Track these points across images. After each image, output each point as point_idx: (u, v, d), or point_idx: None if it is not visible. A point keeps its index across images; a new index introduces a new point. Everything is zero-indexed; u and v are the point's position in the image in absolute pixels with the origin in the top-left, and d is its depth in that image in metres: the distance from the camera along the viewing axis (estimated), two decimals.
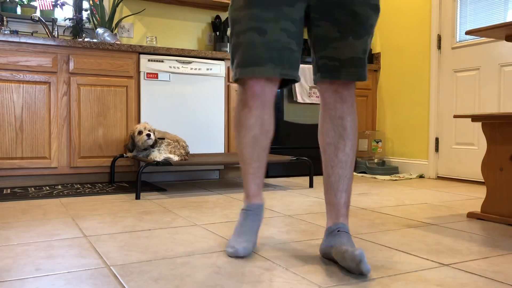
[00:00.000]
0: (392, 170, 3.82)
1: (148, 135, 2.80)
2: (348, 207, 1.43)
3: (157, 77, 3.20)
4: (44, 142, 2.91)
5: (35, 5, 3.50)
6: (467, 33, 2.07)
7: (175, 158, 2.76)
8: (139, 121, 3.18)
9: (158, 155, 2.78)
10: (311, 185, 3.05)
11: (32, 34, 3.38)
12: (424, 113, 3.70)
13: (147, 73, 3.17)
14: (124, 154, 3.08)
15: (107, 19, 3.59)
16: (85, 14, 3.65)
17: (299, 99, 3.62)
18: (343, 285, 1.18)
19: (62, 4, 3.56)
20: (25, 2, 3.50)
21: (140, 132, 2.82)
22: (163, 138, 2.93)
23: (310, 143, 3.75)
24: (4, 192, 2.67)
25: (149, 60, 3.17)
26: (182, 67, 3.27)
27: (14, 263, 1.34)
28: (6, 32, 3.15)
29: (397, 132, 3.97)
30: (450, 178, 3.52)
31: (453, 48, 3.47)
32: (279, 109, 3.61)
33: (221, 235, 1.71)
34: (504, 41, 2.78)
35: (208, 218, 2.01)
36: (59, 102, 2.95)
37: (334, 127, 1.42)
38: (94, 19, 3.57)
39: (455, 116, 2.16)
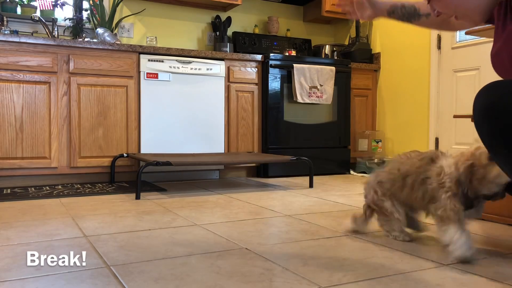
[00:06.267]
0: None
1: None
2: None
3: (157, 77, 3.20)
4: (44, 142, 2.91)
5: (35, 5, 3.50)
6: (467, 33, 2.07)
7: None
8: (139, 121, 3.17)
9: None
10: (311, 185, 3.04)
11: (32, 34, 3.38)
12: (424, 113, 3.70)
13: (147, 73, 3.16)
14: (124, 154, 3.08)
15: (107, 19, 3.59)
16: (85, 14, 3.65)
17: (299, 99, 3.62)
18: (343, 285, 1.18)
19: (62, 4, 3.56)
20: (25, 2, 3.50)
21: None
22: None
23: (310, 143, 3.74)
24: (4, 192, 2.67)
25: (149, 60, 3.17)
26: (182, 67, 3.27)
27: (14, 263, 1.34)
28: (6, 32, 3.15)
29: (397, 132, 3.97)
30: None
31: (453, 48, 3.47)
32: (279, 109, 3.61)
33: (221, 235, 1.71)
34: None
35: (208, 218, 2.01)
36: (59, 102, 2.95)
37: None
38: (94, 19, 3.57)
39: (455, 116, 2.16)
